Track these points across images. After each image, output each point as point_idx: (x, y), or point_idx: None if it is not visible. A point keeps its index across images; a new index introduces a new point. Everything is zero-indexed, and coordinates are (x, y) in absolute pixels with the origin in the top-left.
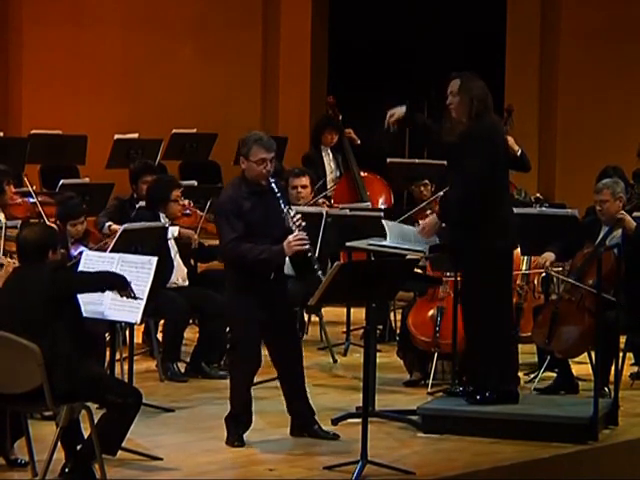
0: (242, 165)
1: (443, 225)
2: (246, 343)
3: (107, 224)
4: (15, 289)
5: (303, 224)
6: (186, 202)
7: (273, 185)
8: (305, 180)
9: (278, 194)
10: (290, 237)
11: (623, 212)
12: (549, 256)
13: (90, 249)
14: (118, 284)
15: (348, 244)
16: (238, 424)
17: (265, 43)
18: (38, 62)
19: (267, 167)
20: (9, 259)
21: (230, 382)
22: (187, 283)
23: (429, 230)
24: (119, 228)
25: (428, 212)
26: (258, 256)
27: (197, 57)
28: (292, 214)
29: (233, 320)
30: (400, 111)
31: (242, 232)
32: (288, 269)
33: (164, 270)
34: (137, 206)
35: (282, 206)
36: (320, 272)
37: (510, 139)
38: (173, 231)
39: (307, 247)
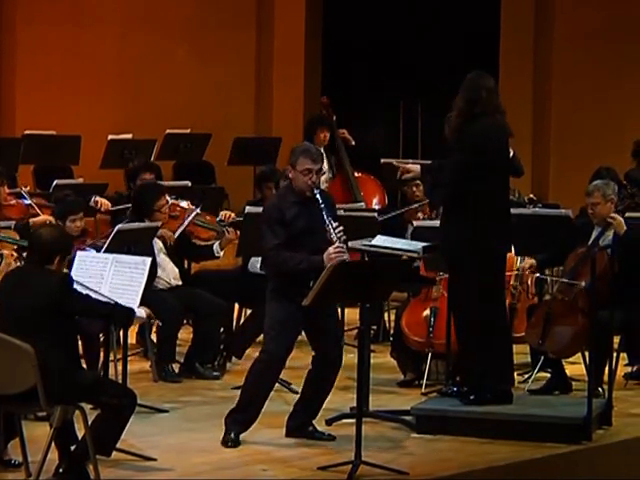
0: (290, 174)
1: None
2: (279, 347)
3: (95, 198)
4: (15, 289)
5: (344, 237)
6: (184, 204)
7: (318, 196)
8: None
9: (322, 205)
10: (330, 249)
11: (614, 215)
12: (530, 262)
13: (87, 245)
14: (123, 319)
15: None
16: (238, 424)
17: (259, 44)
18: (32, 62)
19: (312, 178)
20: (10, 252)
21: (248, 382)
22: (180, 282)
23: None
24: (105, 202)
25: (419, 214)
26: (298, 265)
27: (191, 58)
28: (334, 226)
29: (270, 326)
30: (415, 169)
31: (284, 239)
32: None
33: (154, 275)
34: (128, 212)
35: (325, 217)
36: None
37: None
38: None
39: (345, 258)
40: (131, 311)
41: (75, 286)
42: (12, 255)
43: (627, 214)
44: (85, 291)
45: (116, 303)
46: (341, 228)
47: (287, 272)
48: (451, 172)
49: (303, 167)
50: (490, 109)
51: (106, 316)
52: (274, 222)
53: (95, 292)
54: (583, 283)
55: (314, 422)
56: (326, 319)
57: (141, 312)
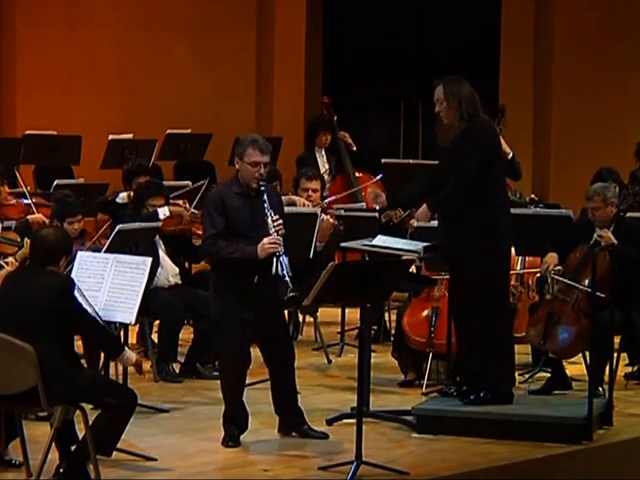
0: (236, 165)
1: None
2: (229, 344)
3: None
4: (17, 290)
5: (282, 231)
6: (180, 202)
7: (262, 188)
8: (316, 184)
9: (265, 197)
10: (265, 239)
11: (601, 233)
12: (553, 258)
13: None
14: (113, 351)
15: (342, 244)
16: (232, 424)
17: (259, 43)
18: (32, 63)
19: (260, 170)
20: (13, 259)
21: (220, 383)
22: (179, 281)
23: (422, 218)
24: None
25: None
26: (231, 254)
27: (191, 57)
28: (274, 218)
29: (217, 322)
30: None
31: (222, 229)
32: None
33: (155, 270)
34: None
35: (266, 210)
36: (288, 278)
37: (502, 142)
38: (164, 211)
39: (278, 250)
40: (121, 348)
41: (76, 294)
42: (14, 263)
43: (629, 214)
44: (84, 303)
45: (112, 333)
46: (280, 222)
47: (222, 261)
48: (469, 174)
49: (251, 159)
50: (479, 107)
51: (98, 340)
52: (214, 211)
53: (92, 307)
54: (586, 282)
55: (312, 422)
56: (277, 327)
57: (131, 355)
